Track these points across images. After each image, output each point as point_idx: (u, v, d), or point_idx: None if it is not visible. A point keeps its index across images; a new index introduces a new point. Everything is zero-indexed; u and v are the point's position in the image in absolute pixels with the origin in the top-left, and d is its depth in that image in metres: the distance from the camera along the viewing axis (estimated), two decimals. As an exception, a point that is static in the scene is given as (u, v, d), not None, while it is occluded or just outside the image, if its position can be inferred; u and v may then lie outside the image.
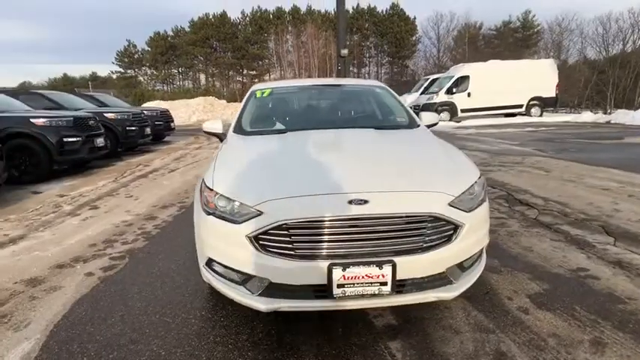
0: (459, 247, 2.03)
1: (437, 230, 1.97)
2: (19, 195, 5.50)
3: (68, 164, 7.07)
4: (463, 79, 17.64)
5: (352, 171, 2.21)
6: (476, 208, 2.13)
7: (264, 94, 3.58)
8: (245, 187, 2.10)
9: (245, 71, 55.58)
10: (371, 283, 1.90)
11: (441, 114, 17.19)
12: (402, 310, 2.33)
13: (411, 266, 1.94)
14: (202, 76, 55.42)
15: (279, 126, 3.18)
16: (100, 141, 7.21)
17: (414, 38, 55.06)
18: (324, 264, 1.87)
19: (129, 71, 53.39)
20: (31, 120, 6.21)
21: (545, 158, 7.74)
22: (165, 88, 53.01)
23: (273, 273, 1.93)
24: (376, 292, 1.91)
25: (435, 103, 17.37)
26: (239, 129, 3.13)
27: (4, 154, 5.03)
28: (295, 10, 53.21)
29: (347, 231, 1.90)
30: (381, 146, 2.67)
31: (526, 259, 3.02)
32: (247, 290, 2.03)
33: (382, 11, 55.05)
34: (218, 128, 3.25)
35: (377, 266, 1.88)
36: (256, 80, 54.81)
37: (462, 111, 17.69)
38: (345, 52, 26.78)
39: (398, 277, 1.93)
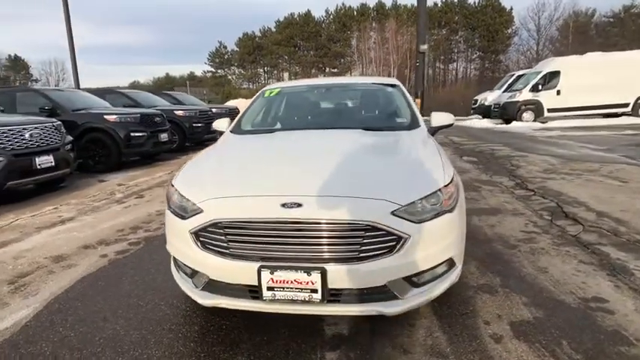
0: (405, 260, 1.87)
1: (376, 240, 1.84)
2: (88, 182, 6.30)
3: (134, 156, 7.89)
4: (552, 75, 15.87)
5: (300, 173, 2.15)
6: (431, 219, 1.94)
7: (272, 94, 3.64)
8: (197, 184, 2.18)
9: (327, 69, 56.48)
10: (301, 289, 1.85)
11: (524, 114, 15.72)
12: (362, 320, 2.22)
13: (346, 276, 1.84)
14: (286, 75, 57.54)
15: (275, 125, 3.21)
16: (163, 136, 7.93)
17: (509, 31, 51.05)
18: (254, 265, 1.86)
19: (219, 71, 57.49)
20: (105, 116, 7.06)
21: (630, 167, 6.67)
22: (251, 86, 56.09)
23: (211, 270, 1.98)
24: (307, 299, 1.86)
25: (516, 102, 15.92)
26: (236, 128, 3.22)
27: (75, 147, 5.79)
28: (380, 5, 52.59)
29: (279, 234, 1.86)
30: (353, 149, 2.55)
31: (534, 281, 2.67)
32: (193, 284, 2.11)
33: (474, 3, 51.88)
34: (223, 127, 3.39)
35: (305, 272, 1.82)
36: (338, 78, 55.38)
37: (549, 110, 15.94)
38: (424, 47, 25.82)
39: (331, 286, 1.85)
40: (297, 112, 3.54)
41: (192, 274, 2.10)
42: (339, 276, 1.84)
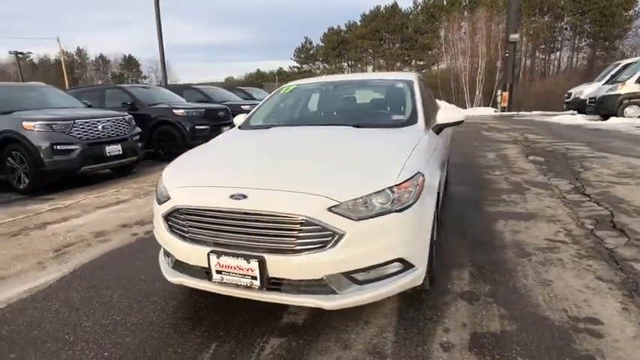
0: (341, 256, 1.89)
1: (312, 234, 1.89)
2: (153, 170, 7.08)
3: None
4: (669, 64, 13.56)
5: (257, 168, 2.27)
6: (373, 217, 1.92)
7: (288, 90, 3.76)
8: (175, 173, 2.41)
9: (413, 62, 54.85)
10: (243, 275, 1.98)
11: (626, 109, 13.70)
12: (319, 313, 2.27)
13: (283, 266, 1.92)
14: (370, 68, 57.11)
15: (277, 121, 3.33)
16: (226, 129, 8.53)
17: (630, 13, 44.45)
18: (206, 250, 2.04)
19: (304, 66, 59.07)
20: (174, 110, 7.83)
21: None
22: (335, 80, 56.69)
23: (176, 251, 2.20)
24: (249, 285, 1.98)
25: (617, 95, 13.87)
26: (245, 123, 3.42)
27: (142, 137, 6.56)
28: (472, -7, 49.31)
29: (227, 222, 2.01)
30: (324, 146, 2.57)
31: (526, 294, 2.45)
32: (167, 263, 2.35)
33: (585, -16, 46.02)
34: (239, 122, 3.61)
35: (245, 259, 1.94)
36: (424, 71, 53.49)
37: (662, 105, 13.64)
38: (514, 37, 23.85)
39: (271, 275, 1.95)
40: (301, 109, 3.62)
41: (167, 253, 2.35)
42: (278, 266, 1.92)
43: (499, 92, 22.91)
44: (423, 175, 2.19)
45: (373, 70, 57.98)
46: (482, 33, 39.59)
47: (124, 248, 3.43)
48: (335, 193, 1.93)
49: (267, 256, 1.92)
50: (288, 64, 63.98)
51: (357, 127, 2.85)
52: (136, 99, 8.05)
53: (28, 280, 2.86)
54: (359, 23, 55.76)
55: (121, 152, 5.87)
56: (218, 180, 2.18)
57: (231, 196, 2.00)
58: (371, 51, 56.62)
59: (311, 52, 58.54)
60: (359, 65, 58.02)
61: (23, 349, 2.07)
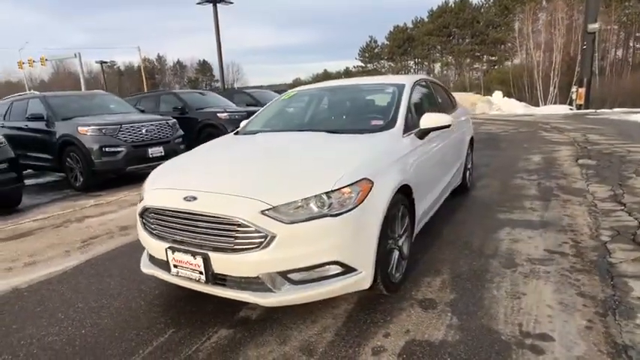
0: (274, 256, 2.01)
1: (247, 235, 2.04)
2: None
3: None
4: None
5: (215, 172, 2.47)
6: (306, 220, 2.02)
7: (288, 96, 3.91)
8: (154, 176, 2.69)
9: (484, 57, 52.07)
10: (192, 269, 2.19)
11: None
12: (275, 310, 2.41)
13: (225, 263, 2.10)
14: (437, 66, 55.24)
15: (266, 127, 3.49)
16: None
17: None
18: (165, 245, 2.28)
19: (368, 65, 58.70)
20: (218, 114, 8.36)
21: None
22: (399, 79, 55.61)
23: (147, 246, 2.48)
24: (197, 279, 2.19)
25: None
26: (242, 128, 3.64)
27: (184, 140, 7.12)
28: (552, -19, 45.47)
29: (181, 221, 2.23)
30: (285, 151, 2.71)
31: (488, 306, 2.36)
32: (145, 256, 2.64)
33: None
34: (240, 127, 3.84)
35: (192, 256, 2.15)
36: (495, 67, 50.50)
37: None
38: (594, 26, 21.75)
39: (216, 271, 2.13)
40: (290, 114, 3.75)
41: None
42: (221, 263, 2.11)
43: (574, 88, 20.96)
44: (371, 182, 2.23)
45: (441, 68, 56.01)
46: (560, 24, 36.42)
47: (136, 242, 3.82)
48: (269, 198, 2.06)
49: (211, 254, 2.11)
50: (353, 63, 64.02)
51: (331, 132, 2.93)
52: (185, 103, 8.74)
53: (51, 265, 3.35)
54: (426, 19, 54.18)
55: (163, 154, 6.45)
56: (180, 183, 2.42)
57: (184, 198, 2.22)
58: (439, 47, 54.76)
59: (375, 50, 58.03)
60: (425, 63, 56.41)
61: (24, 322, 2.48)
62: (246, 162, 2.63)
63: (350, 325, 2.25)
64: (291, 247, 2.02)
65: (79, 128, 5.88)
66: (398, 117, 2.97)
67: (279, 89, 13.01)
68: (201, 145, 3.32)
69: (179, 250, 2.21)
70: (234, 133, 3.60)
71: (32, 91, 7.04)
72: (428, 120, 3.02)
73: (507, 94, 26.40)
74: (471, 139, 5.04)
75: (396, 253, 2.56)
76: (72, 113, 6.39)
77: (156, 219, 2.36)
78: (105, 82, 37.11)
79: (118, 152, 6.00)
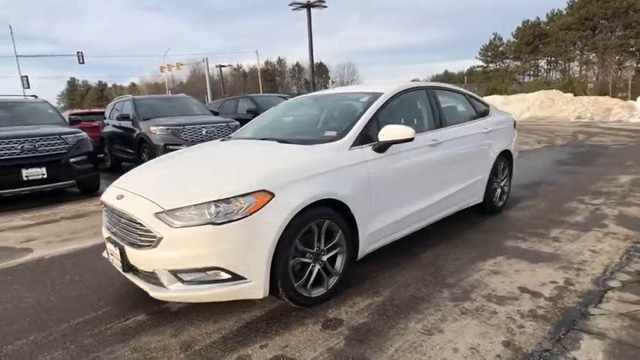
0: (163, 255, 2.22)
1: (145, 234, 2.28)
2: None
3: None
4: None
5: (148, 174, 2.79)
6: (190, 226, 2.17)
7: (281, 106, 4.06)
8: (122, 175, 3.09)
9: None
10: (116, 258, 2.52)
11: None
12: (194, 305, 2.61)
13: (133, 256, 2.38)
14: (574, 65, 48.27)
15: (244, 135, 3.65)
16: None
17: None
18: (106, 235, 2.67)
19: (490, 65, 54.10)
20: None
21: None
22: (527, 80, 50.16)
23: (104, 234, 2.90)
24: (119, 267, 2.51)
25: None
26: (233, 134, 3.90)
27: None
28: None
29: (114, 217, 2.58)
30: (220, 158, 2.92)
31: (388, 336, 2.20)
32: (108, 243, 3.08)
33: None
34: None
35: (114, 246, 2.49)
36: (654, 64, 42.08)
37: None
38: None
39: (131, 262, 2.43)
40: (267, 123, 3.80)
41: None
42: (131, 255, 2.40)
43: None
44: (270, 194, 2.28)
45: (579, 67, 48.84)
46: None
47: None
48: (165, 202, 2.26)
49: (126, 247, 2.41)
50: (474, 63, 59.70)
51: (282, 142, 2.99)
52: (258, 106, 9.43)
53: (78, 243, 4.08)
54: (564, 12, 47.75)
55: (220, 152, 7.15)
56: (125, 182, 2.77)
57: (116, 196, 2.57)
58: (578, 44, 47.79)
59: (500, 49, 53.20)
60: (560, 61, 49.82)
61: (32, 284, 3.12)
62: (182, 166, 2.91)
63: (244, 330, 2.33)
64: (177, 249, 2.20)
65: (151, 128, 6.88)
66: (352, 129, 2.88)
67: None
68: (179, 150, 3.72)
69: (109, 241, 2.57)
70: (221, 140, 3.88)
71: (129, 95, 8.40)
72: (386, 133, 2.86)
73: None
74: (507, 154, 4.48)
75: (315, 268, 2.53)
76: (152, 114, 7.48)
77: (105, 211, 2.76)
78: (222, 84, 41.86)
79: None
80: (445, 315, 2.40)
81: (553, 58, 49.77)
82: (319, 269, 2.55)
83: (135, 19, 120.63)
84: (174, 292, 2.28)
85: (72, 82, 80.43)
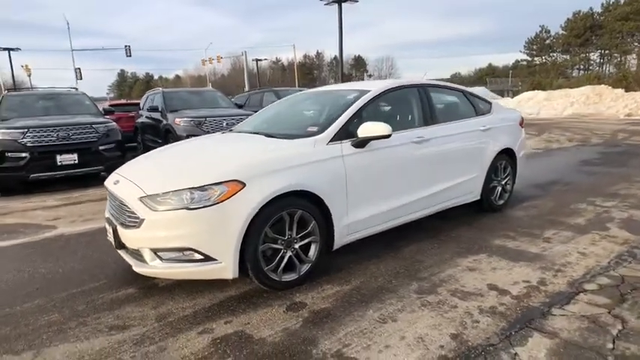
0: (144, 235, 2.48)
1: (131, 215, 2.54)
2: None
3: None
4: None
5: (144, 162, 3.02)
6: (168, 210, 2.41)
7: (282, 100, 4.22)
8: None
9: None
10: (110, 236, 2.81)
11: None
12: (179, 282, 2.87)
13: (124, 235, 2.65)
14: (632, 59, 44.92)
15: (245, 128, 3.85)
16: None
17: None
18: (107, 215, 2.98)
19: (536, 59, 51.39)
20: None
21: None
22: (577, 74, 47.24)
23: (105, 214, 3.20)
24: (113, 243, 2.80)
25: None
26: (236, 126, 4.12)
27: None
28: None
29: (112, 199, 2.88)
30: (207, 150, 3.09)
31: (340, 322, 2.34)
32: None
33: None
34: None
35: (109, 225, 2.78)
36: None
37: None
38: None
39: (122, 240, 2.70)
40: (264, 117, 3.96)
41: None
42: (122, 234, 2.67)
43: None
44: (242, 184, 2.47)
45: (637, 60, 45.42)
46: None
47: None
48: (147, 187, 2.52)
49: (118, 226, 2.69)
50: (518, 56, 56.86)
51: (268, 136, 3.17)
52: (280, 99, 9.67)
53: (96, 223, 4.46)
54: (621, 1, 44.50)
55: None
56: (125, 169, 3.06)
57: (114, 182, 2.86)
58: (637, 35, 44.47)
59: (547, 42, 50.41)
60: (615, 54, 46.55)
61: (48, 257, 3.50)
62: (175, 156, 3.16)
63: (215, 307, 2.55)
64: (156, 230, 2.45)
65: (176, 119, 7.29)
66: (332, 125, 3.01)
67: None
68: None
69: (107, 221, 2.87)
70: (221, 132, 4.11)
71: (160, 88, 8.88)
72: (364, 129, 2.97)
73: None
74: (509, 152, 4.42)
75: (287, 255, 2.70)
76: (179, 106, 7.90)
77: (108, 195, 3.07)
78: (258, 78, 42.63)
79: (201, 140, 7.21)
80: (405, 306, 2.50)
81: (607, 51, 46.58)
82: (291, 256, 2.72)
83: (184, 14, 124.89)
84: (154, 269, 2.53)
85: (122, 74, 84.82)
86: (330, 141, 2.94)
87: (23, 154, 5.52)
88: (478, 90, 13.04)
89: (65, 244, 3.83)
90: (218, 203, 2.41)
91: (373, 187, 3.13)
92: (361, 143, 3.01)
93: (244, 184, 2.47)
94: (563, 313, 2.38)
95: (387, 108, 3.49)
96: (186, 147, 3.45)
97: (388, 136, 2.97)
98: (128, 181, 2.74)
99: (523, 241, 3.54)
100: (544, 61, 50.21)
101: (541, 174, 6.27)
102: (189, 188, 2.42)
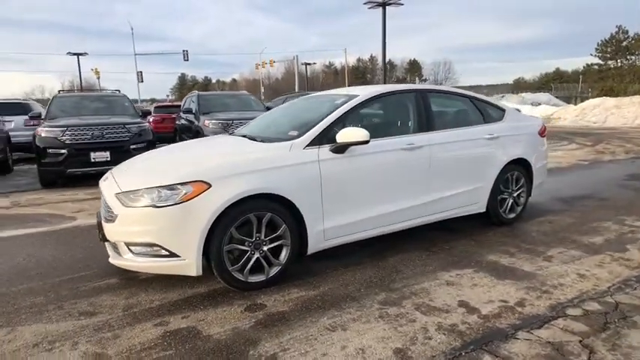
0: (118, 229, 2.65)
1: (110, 210, 2.73)
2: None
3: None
4: None
5: (138, 162, 3.24)
6: (137, 207, 2.55)
7: (288, 103, 4.28)
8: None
9: None
10: (97, 230, 3.03)
11: None
12: (165, 276, 3.02)
13: (105, 228, 2.85)
14: None
15: (243, 131, 3.94)
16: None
17: None
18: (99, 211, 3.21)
19: (610, 62, 47.07)
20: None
21: None
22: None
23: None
24: (99, 236, 3.01)
25: None
26: (237, 130, 4.24)
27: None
28: None
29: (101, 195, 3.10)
30: (192, 150, 3.20)
31: (290, 327, 2.34)
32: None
33: None
34: None
35: (97, 219, 3.00)
36: None
37: None
38: None
39: (105, 233, 2.90)
40: (263, 121, 3.96)
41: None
42: (104, 227, 2.87)
43: None
44: (207, 184, 2.56)
45: None
46: None
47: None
48: (123, 184, 2.69)
49: (102, 221, 2.90)
50: (589, 60, 52.29)
51: (251, 139, 3.23)
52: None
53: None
54: None
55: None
56: (115, 168, 3.28)
57: (103, 179, 3.08)
58: None
59: (623, 44, 45.98)
60: None
61: (59, 245, 3.84)
62: (162, 157, 3.35)
63: (180, 302, 2.65)
64: (128, 225, 2.61)
65: (205, 121, 7.62)
66: (312, 129, 3.01)
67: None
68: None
69: (97, 215, 3.09)
70: (221, 135, 4.27)
71: (196, 91, 9.35)
72: (343, 135, 2.94)
73: None
74: (523, 162, 4.13)
75: (254, 256, 2.74)
76: (212, 109, 8.25)
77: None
78: (307, 82, 43.25)
79: (227, 142, 7.49)
80: (362, 316, 2.45)
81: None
82: (259, 258, 2.76)
83: (242, 19, 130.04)
84: (127, 261, 2.69)
85: (182, 78, 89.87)
86: (307, 145, 2.94)
87: (62, 151, 6.08)
88: (540, 96, 11.99)
89: (78, 235, 4.16)
90: (183, 202, 2.51)
91: (354, 194, 3.09)
92: (340, 149, 2.99)
93: (210, 185, 2.56)
94: (528, 337, 2.20)
95: (378, 114, 3.43)
96: (180, 147, 3.64)
97: (366, 142, 2.92)
98: (112, 178, 2.94)
99: (520, 258, 3.31)
100: (619, 64, 45.82)
101: (573, 187, 5.79)
102: (158, 187, 2.55)
